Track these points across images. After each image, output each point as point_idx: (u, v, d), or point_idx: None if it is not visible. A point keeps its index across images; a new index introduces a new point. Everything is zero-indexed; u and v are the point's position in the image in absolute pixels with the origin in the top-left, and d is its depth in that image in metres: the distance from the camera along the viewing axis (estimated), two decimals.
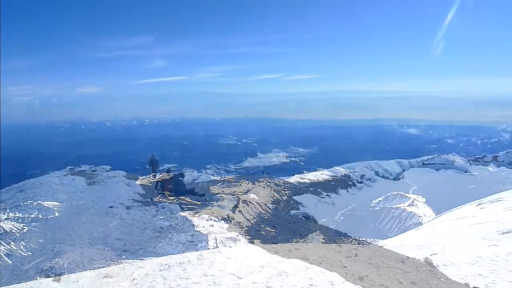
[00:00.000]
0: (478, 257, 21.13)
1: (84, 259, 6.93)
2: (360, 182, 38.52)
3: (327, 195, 33.86)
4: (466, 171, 45.33)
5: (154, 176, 18.93)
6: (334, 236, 14.31)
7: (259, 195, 28.50)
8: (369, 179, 39.48)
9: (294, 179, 36.40)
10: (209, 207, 11.56)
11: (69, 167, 20.53)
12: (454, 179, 42.88)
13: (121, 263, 6.66)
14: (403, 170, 43.20)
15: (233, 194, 24.07)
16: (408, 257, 14.73)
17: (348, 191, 36.40)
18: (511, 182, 43.05)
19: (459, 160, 46.85)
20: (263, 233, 9.56)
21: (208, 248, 6.46)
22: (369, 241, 16.68)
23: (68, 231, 8.69)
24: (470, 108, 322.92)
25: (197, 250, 6.46)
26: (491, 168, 46.93)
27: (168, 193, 13.93)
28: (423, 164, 45.60)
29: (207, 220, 9.05)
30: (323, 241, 11.97)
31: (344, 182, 38.00)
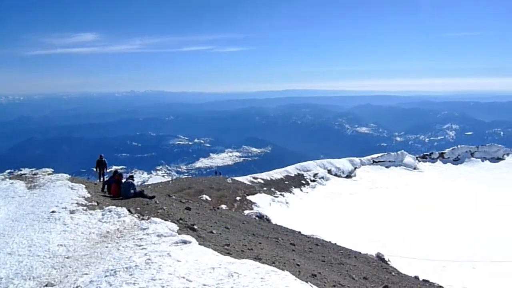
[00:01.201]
0: (427, 251, 22.07)
1: (23, 268, 6.54)
2: (314, 181, 39.26)
3: (281, 194, 34.25)
4: (414, 168, 47.38)
5: (102, 178, 18.29)
6: (288, 235, 14.45)
7: (212, 196, 28.37)
8: (322, 177, 40.33)
9: (247, 179, 36.53)
10: (160, 210, 11.32)
11: (8, 171, 19.50)
12: (404, 175, 44.75)
13: (64, 270, 6.35)
14: (355, 168, 44.49)
15: (185, 196, 23.80)
16: (360, 253, 15.19)
17: (301, 190, 36.99)
18: (450, 177, 45.54)
19: (408, 158, 48.87)
20: (215, 234, 9.47)
21: (157, 252, 6.30)
22: (323, 238, 17.01)
23: (6, 238, 8.19)
24: (419, 107, 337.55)
25: (146, 254, 6.27)
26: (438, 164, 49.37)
27: (116, 196, 13.53)
28: (374, 161, 47.20)
29: (157, 223, 8.82)
30: (277, 240, 12.05)
31: (298, 181, 38.61)
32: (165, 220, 9.49)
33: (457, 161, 50.75)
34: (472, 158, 51.26)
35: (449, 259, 22.03)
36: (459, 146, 53.85)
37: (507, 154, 52.35)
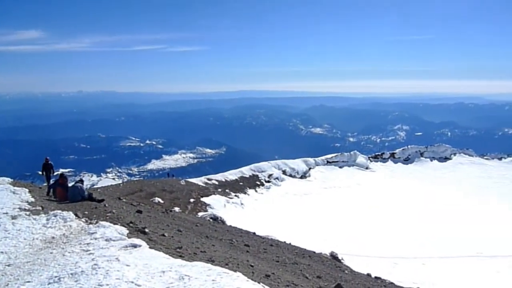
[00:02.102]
0: (379, 249, 22.77)
1: None
2: (268, 182, 39.59)
3: (236, 195, 34.28)
4: (367, 168, 48.88)
5: (48, 182, 17.61)
6: (243, 236, 14.48)
7: (164, 199, 27.95)
8: (277, 178, 40.75)
9: (201, 180, 36.29)
10: (109, 213, 11.02)
11: None
12: (356, 175, 46.07)
13: (5, 278, 6.05)
14: (310, 168, 45.29)
15: (137, 199, 23.31)
16: (315, 252, 15.46)
17: (256, 191, 37.20)
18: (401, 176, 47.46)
19: (360, 158, 50.34)
20: (167, 237, 9.34)
21: (105, 257, 6.13)
22: (278, 239, 17.17)
23: None
24: (371, 109, 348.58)
25: (93, 259, 6.09)
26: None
27: (63, 200, 13.05)
28: (327, 162, 48.25)
29: (105, 227, 8.58)
30: (231, 242, 12.04)
31: (253, 182, 38.80)
32: (115, 223, 9.25)
33: (407, 160, 52.86)
34: (422, 158, 53.58)
35: (400, 256, 22.92)
36: (409, 146, 56.08)
37: (454, 154, 55.15)
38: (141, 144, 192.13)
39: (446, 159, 54.01)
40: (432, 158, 53.75)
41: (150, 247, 7.14)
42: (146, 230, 9.31)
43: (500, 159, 55.55)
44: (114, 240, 7.36)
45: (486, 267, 22.33)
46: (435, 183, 44.94)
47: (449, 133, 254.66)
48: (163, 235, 9.48)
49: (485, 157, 56.19)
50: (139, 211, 13.22)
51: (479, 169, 50.71)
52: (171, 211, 19.69)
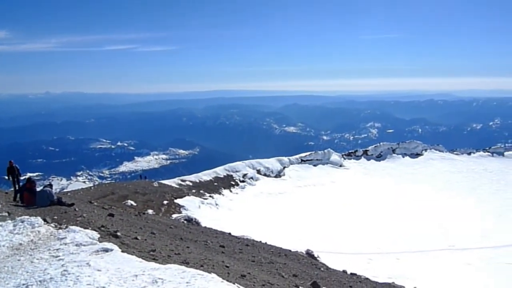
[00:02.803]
0: (354, 246, 23.01)
1: None
2: (243, 181, 39.57)
3: (210, 196, 34.12)
4: (341, 166, 49.46)
5: (15, 187, 17.09)
6: (218, 237, 14.42)
7: (137, 201, 27.56)
8: (252, 177, 40.78)
9: (175, 181, 35.96)
10: (80, 218, 10.78)
11: None
12: (331, 173, 46.59)
13: None
14: (284, 167, 45.50)
15: (109, 202, 22.89)
16: (290, 251, 15.54)
17: (231, 191, 37.13)
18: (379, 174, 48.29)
19: (334, 156, 50.90)
20: (140, 240, 9.20)
21: (75, 262, 5.98)
22: (254, 238, 17.18)
23: None
24: (343, 107, 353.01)
25: (63, 265, 5.93)
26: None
27: (30, 205, 12.69)
28: (302, 160, 48.58)
29: (76, 232, 8.38)
30: (206, 243, 11.98)
31: (227, 182, 38.70)
32: (85, 228, 9.05)
33: (379, 157, 53.79)
34: (394, 155, 54.62)
35: (374, 252, 23.33)
36: (381, 143, 57.05)
37: (425, 150, 56.44)
38: (112, 146, 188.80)
39: (417, 155, 55.23)
40: (404, 155, 54.87)
41: (122, 251, 7.02)
42: (118, 233, 9.15)
43: (469, 154, 57.21)
44: (84, 245, 7.20)
45: (457, 260, 23.01)
46: (407, 179, 45.90)
47: (419, 130, 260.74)
48: (136, 238, 9.34)
49: (454, 152, 57.74)
50: (111, 215, 12.99)
51: (449, 164, 52.08)
52: (144, 213, 19.43)
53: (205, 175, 38.75)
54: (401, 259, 22.26)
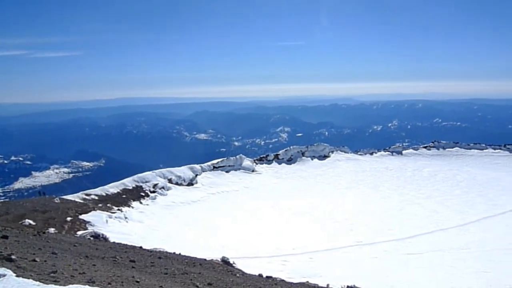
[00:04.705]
0: (269, 248, 23.51)
1: None
2: (154, 192, 38.47)
3: (119, 209, 32.65)
4: (253, 171, 50.25)
5: None
6: (128, 252, 13.82)
7: (36, 220, 25.49)
8: (163, 187, 39.80)
9: (79, 196, 33.88)
10: None
11: None
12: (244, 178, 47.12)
13: None
14: (196, 175, 45.07)
15: (2, 223, 20.85)
16: (205, 260, 15.37)
17: (141, 203, 35.88)
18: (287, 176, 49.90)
19: (246, 161, 51.59)
20: (39, 262, 8.49)
21: None
22: (167, 250, 16.74)
23: None
24: (253, 112, 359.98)
25: None
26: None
27: None
28: (214, 167, 48.51)
29: None
30: (115, 259, 11.41)
31: (137, 194, 37.33)
32: None
33: (290, 161, 55.56)
34: (303, 157, 56.77)
35: (289, 254, 23.97)
36: (291, 147, 58.93)
37: (332, 152, 59.45)
38: (5, 161, 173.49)
39: (325, 157, 57.98)
40: (312, 157, 57.28)
41: (17, 276, 6.40)
42: (13, 256, 8.35)
43: (371, 154, 61.43)
44: None
45: (365, 254, 24.52)
46: (317, 181, 47.96)
47: (326, 133, 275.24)
48: (34, 260, 8.60)
49: (358, 153, 61.62)
50: (5, 237, 11.86)
51: (354, 164, 55.43)
52: (44, 233, 18.01)
53: (112, 188, 37.02)
54: (314, 258, 23.15)
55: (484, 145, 65.21)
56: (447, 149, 64.02)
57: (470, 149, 63.99)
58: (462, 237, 28.30)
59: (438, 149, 64.30)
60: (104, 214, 29.81)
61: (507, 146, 63.60)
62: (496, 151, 62.76)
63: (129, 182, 38.89)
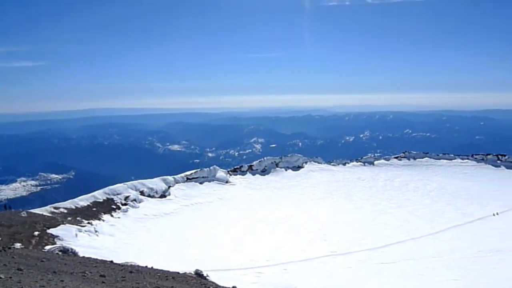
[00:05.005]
0: (243, 260, 23.29)
1: None
2: (125, 204, 37.79)
3: (89, 222, 31.89)
4: (227, 182, 50.06)
5: None
6: (98, 267, 13.46)
7: (1, 235, 24.60)
8: (135, 200, 39.17)
9: (47, 210, 32.95)
10: None
11: None
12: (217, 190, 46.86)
13: None
14: (169, 187, 44.56)
15: None
16: (179, 273, 15.12)
17: (112, 215, 35.17)
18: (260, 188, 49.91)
19: (220, 172, 51.35)
20: (4, 279, 8.17)
21: None
22: (139, 264, 16.39)
23: None
24: (227, 123, 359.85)
25: None
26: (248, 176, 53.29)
27: None
28: (187, 179, 48.09)
29: None
30: (84, 274, 11.09)
31: (107, 207, 36.58)
32: None
33: (264, 172, 55.65)
34: (277, 168, 56.96)
35: (263, 265, 23.86)
36: (265, 158, 59.06)
37: (306, 162, 59.87)
38: None
39: (299, 167, 58.34)
40: (286, 168, 57.54)
41: None
42: None
43: (344, 164, 62.17)
44: None
45: (339, 264, 24.65)
46: (291, 191, 48.13)
47: (300, 143, 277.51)
48: None
49: (332, 163, 62.25)
50: None
51: (327, 174, 55.95)
52: (9, 248, 17.38)
53: (82, 201, 36.17)
54: (288, 269, 23.11)
55: (452, 155, 67.06)
56: (417, 159, 65.52)
57: (439, 159, 65.67)
58: (432, 245, 28.85)
59: (408, 159, 65.73)
60: (74, 228, 29.06)
61: (475, 156, 65.61)
62: (464, 161, 64.60)
63: (99, 195, 38.09)
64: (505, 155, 64.11)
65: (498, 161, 63.29)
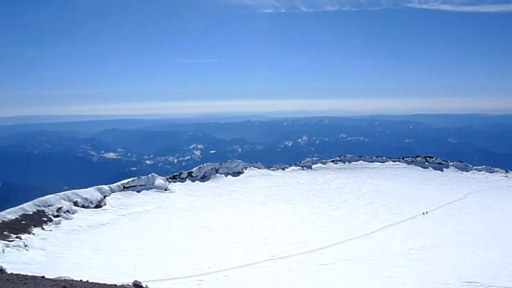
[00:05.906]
0: (184, 269, 23.04)
1: None
2: (58, 216, 35.99)
3: (17, 237, 30.03)
4: (166, 189, 49.23)
5: None
6: (28, 283, 12.78)
7: None
8: (68, 211, 37.41)
9: None
10: None
11: None
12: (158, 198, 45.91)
13: None
14: (105, 196, 43.04)
15: None
16: (116, 285, 14.66)
17: (43, 228, 33.38)
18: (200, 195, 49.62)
19: (158, 180, 50.39)
20: None
21: None
22: (73, 278, 15.71)
23: None
24: (166, 130, 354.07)
25: None
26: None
27: None
28: (124, 187, 46.71)
29: None
30: None
31: (38, 219, 34.65)
32: None
33: (204, 178, 55.29)
34: (217, 174, 56.80)
35: (205, 273, 23.69)
36: (205, 164, 58.70)
37: (246, 168, 60.22)
38: None
39: (239, 173, 58.54)
40: (226, 174, 57.54)
41: None
42: None
43: (283, 169, 63.26)
44: None
45: (279, 268, 25.02)
46: (231, 197, 48.16)
47: (239, 149, 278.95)
48: None
49: (271, 168, 63.09)
50: None
51: (267, 179, 56.64)
52: None
53: (10, 214, 33.99)
54: (230, 275, 23.12)
55: (385, 158, 70.64)
56: (352, 163, 68.20)
57: (373, 162, 68.85)
58: (368, 245, 30.11)
59: (344, 162, 68.20)
60: (0, 243, 27.27)
61: (405, 159, 69.67)
62: (396, 163, 68.34)
63: (29, 207, 35.99)
64: (432, 157, 68.79)
65: (426, 163, 67.73)
